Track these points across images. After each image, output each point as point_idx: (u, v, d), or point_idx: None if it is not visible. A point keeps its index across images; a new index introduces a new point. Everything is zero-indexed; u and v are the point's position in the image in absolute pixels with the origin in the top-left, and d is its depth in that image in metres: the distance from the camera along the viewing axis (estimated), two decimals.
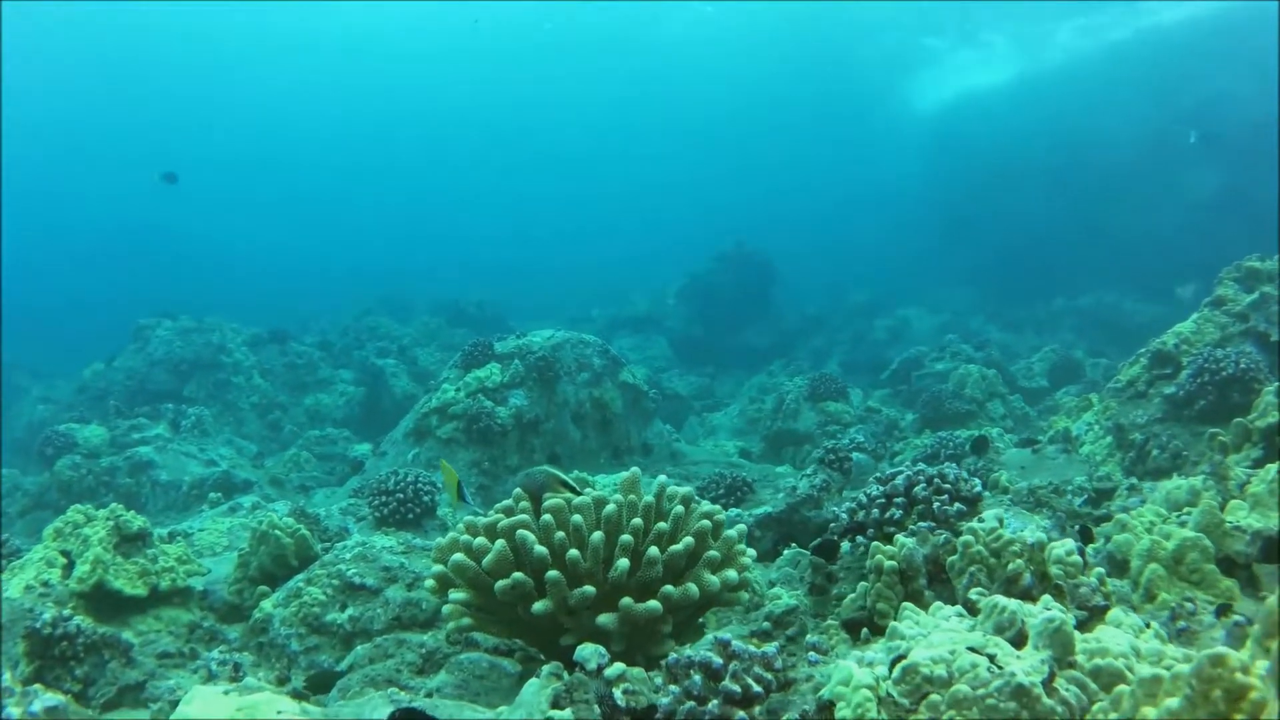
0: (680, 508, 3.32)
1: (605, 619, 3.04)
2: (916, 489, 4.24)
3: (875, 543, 3.25)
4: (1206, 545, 3.75)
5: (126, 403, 10.58)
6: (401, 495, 5.75)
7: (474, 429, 8.16)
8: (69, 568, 4.25)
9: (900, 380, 14.04)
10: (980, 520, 3.21)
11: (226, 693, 2.31)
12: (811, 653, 2.89)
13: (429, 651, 3.73)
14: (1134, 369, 7.84)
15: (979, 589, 2.91)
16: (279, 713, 2.24)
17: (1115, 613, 2.82)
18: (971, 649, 2.34)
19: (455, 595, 3.17)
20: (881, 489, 4.33)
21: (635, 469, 3.53)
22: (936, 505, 4.17)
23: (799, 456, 10.43)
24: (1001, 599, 2.54)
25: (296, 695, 2.89)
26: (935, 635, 2.51)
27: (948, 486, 4.26)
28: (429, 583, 3.31)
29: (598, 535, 3.10)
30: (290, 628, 4.13)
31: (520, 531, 3.09)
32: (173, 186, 14.08)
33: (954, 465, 4.60)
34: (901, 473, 4.43)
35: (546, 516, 3.13)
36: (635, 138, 50.55)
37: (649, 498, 3.33)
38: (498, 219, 52.18)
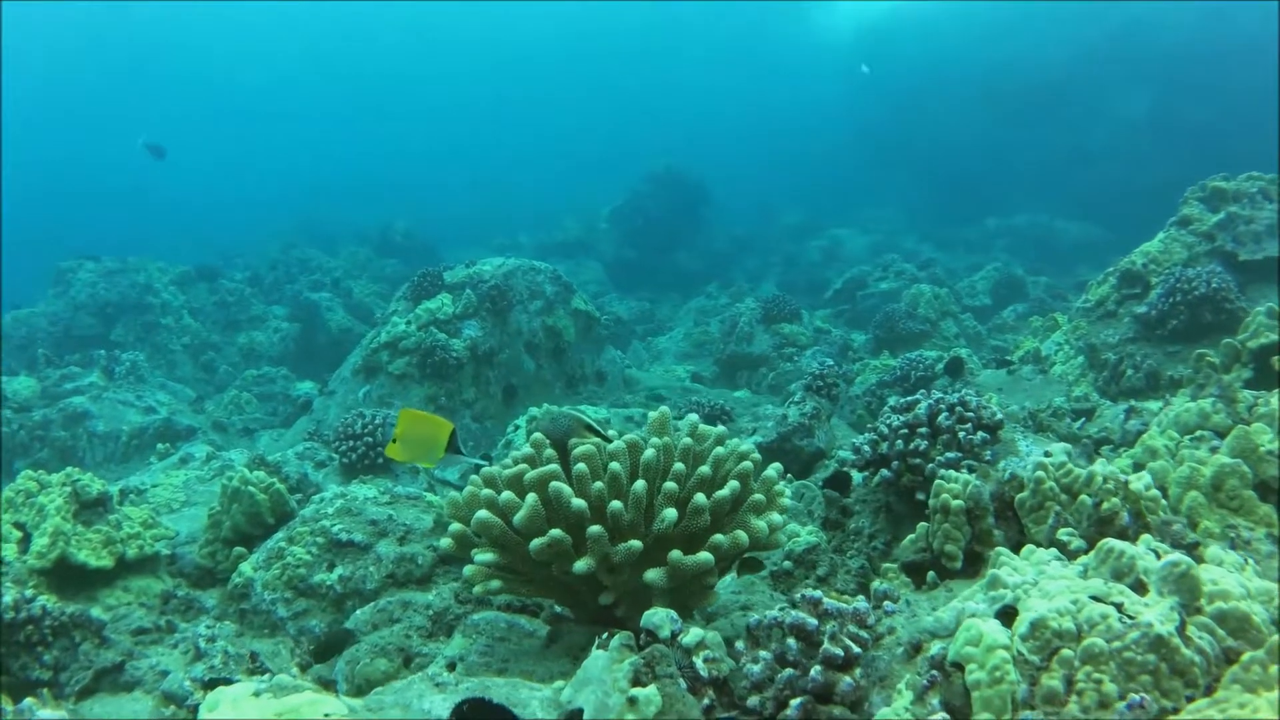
0: (721, 449, 3.03)
1: (653, 575, 2.74)
2: (940, 418, 4.01)
3: (938, 481, 3.00)
4: (1245, 471, 3.59)
5: (52, 350, 9.86)
6: (370, 439, 5.36)
7: (428, 363, 7.75)
8: (25, 541, 3.78)
9: (844, 300, 13.96)
10: (1048, 455, 2.99)
11: (258, 693, 1.96)
12: (886, 602, 2.64)
13: (436, 613, 3.41)
14: (1103, 288, 7.75)
15: (1068, 529, 2.68)
16: (326, 716, 1.90)
17: (1214, 550, 2.63)
18: (1095, 598, 2.13)
19: (481, 557, 2.84)
20: (902, 419, 4.09)
21: (664, 408, 3.21)
22: (962, 434, 3.96)
23: (754, 380, 10.26)
24: (1116, 542, 2.31)
25: (324, 684, 2.55)
26: (1048, 584, 2.27)
27: (970, 414, 4.04)
28: (445, 541, 2.96)
29: (640, 484, 2.79)
30: (274, 592, 3.75)
31: (554, 484, 2.76)
32: (158, 159, 13.00)
33: (973, 392, 4.40)
34: (920, 400, 4.20)
35: (580, 465, 2.81)
36: (560, 60, 49.12)
37: (687, 440, 3.02)
38: (418, 144, 50.37)
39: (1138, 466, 3.97)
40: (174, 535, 4.28)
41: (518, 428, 6.67)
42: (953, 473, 3.07)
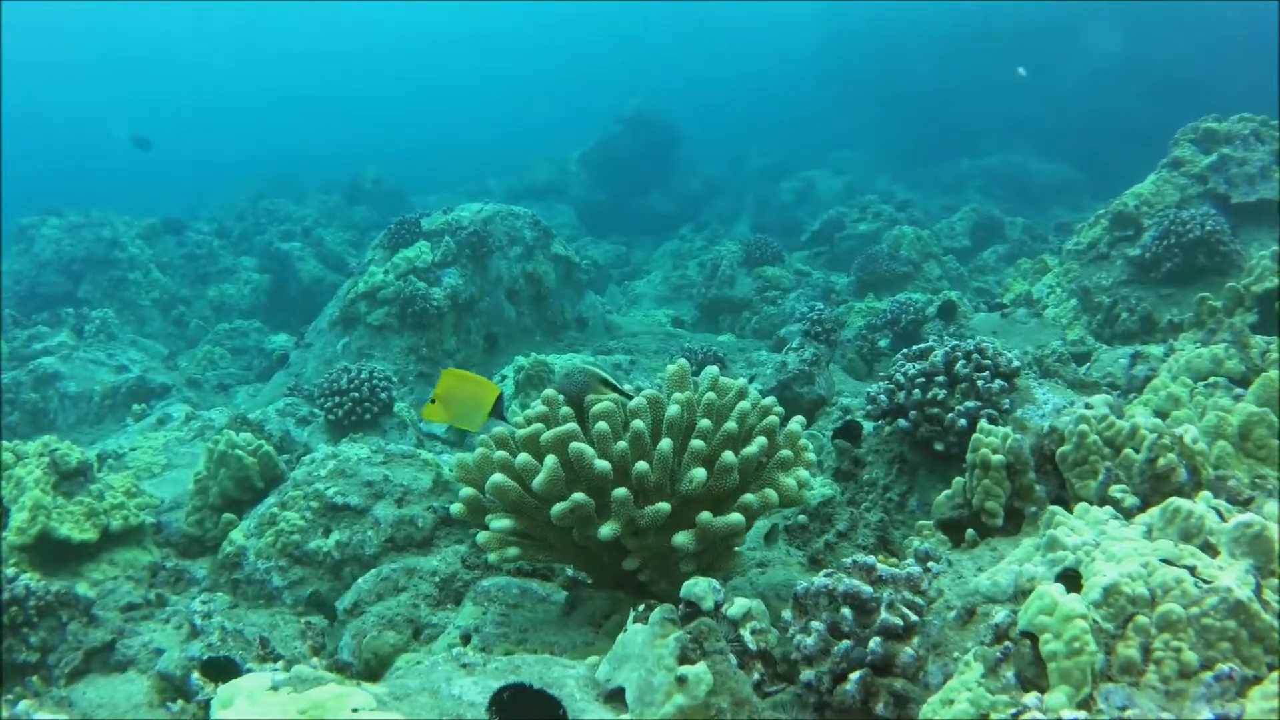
0: (745, 403, 2.87)
1: (683, 538, 2.59)
2: (957, 366, 3.88)
3: (976, 436, 2.85)
4: (1272, 420, 3.47)
5: (17, 309, 9.46)
6: (356, 395, 5.15)
7: (408, 313, 7.51)
8: (3, 517, 3.55)
9: (821, 241, 13.77)
10: (1089, 407, 2.85)
11: (275, 686, 1.79)
12: (930, 563, 2.51)
13: (443, 579, 3.24)
14: (1094, 230, 7.64)
15: (1120, 486, 2.55)
16: (354, 711, 1.73)
17: (1271, 506, 2.51)
18: (1166, 561, 2.00)
19: (498, 523, 2.66)
20: (918, 367, 3.95)
21: (683, 360, 3.04)
22: (980, 382, 3.83)
23: (738, 324, 10.12)
24: (1183, 502, 2.18)
25: (338, 667, 2.38)
26: (1112, 545, 2.14)
27: (988, 362, 3.91)
28: (456, 507, 2.79)
29: (666, 443, 2.62)
30: (268, 560, 3.55)
31: (574, 444, 2.58)
32: (143, 150, 12.39)
33: (988, 338, 4.27)
34: (936, 348, 4.06)
35: (601, 424, 2.63)
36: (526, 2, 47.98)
37: (710, 394, 2.85)
38: (384, 90, 49.19)
39: (1161, 414, 3.87)
40: (158, 503, 4.07)
41: (504, 378, 6.48)
42: (990, 425, 2.92)
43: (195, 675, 2.60)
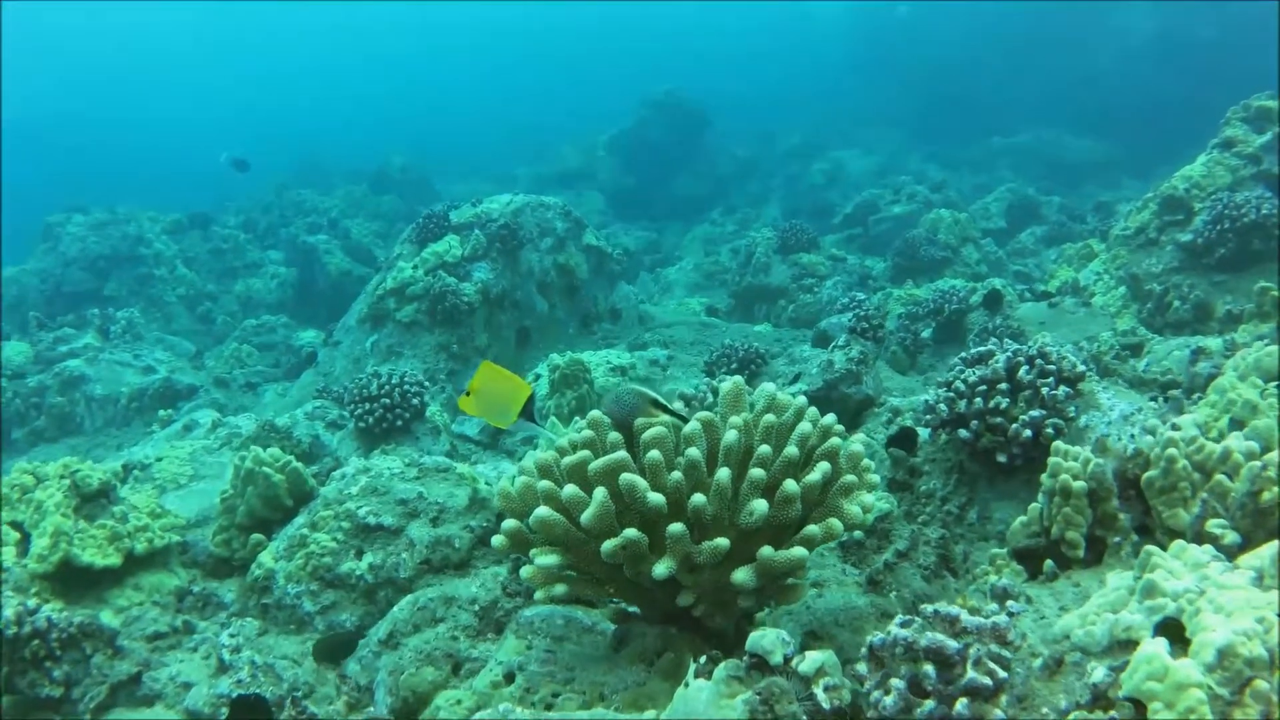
0: (806, 424, 2.67)
1: (743, 575, 2.41)
2: (1020, 372, 3.68)
3: (1055, 459, 2.66)
4: None
5: (44, 308, 9.41)
6: (388, 401, 5.00)
7: (438, 309, 7.36)
8: (23, 543, 3.43)
9: (855, 224, 13.52)
10: (1176, 428, 2.64)
11: None
12: (1010, 602, 2.33)
13: (483, 608, 3.08)
14: (1143, 215, 7.36)
15: (1219, 521, 2.35)
16: None
17: None
18: None
19: (544, 560, 2.49)
20: (979, 373, 3.75)
21: (738, 378, 2.85)
22: (1045, 390, 3.63)
23: (774, 312, 9.91)
24: None
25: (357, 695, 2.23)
26: (1219, 595, 1.95)
27: (1052, 367, 3.71)
28: (498, 540, 2.62)
29: (724, 473, 2.44)
30: (299, 584, 3.41)
31: (625, 475, 2.40)
32: (241, 171, 12.24)
33: (1047, 338, 4.06)
34: (996, 352, 3.85)
35: (654, 453, 2.45)
36: None
37: (769, 416, 2.66)
38: (410, 77, 48.91)
39: (1236, 424, 3.64)
40: (184, 522, 3.93)
41: (538, 377, 6.32)
42: (1066, 446, 2.72)
43: (224, 714, 2.46)
